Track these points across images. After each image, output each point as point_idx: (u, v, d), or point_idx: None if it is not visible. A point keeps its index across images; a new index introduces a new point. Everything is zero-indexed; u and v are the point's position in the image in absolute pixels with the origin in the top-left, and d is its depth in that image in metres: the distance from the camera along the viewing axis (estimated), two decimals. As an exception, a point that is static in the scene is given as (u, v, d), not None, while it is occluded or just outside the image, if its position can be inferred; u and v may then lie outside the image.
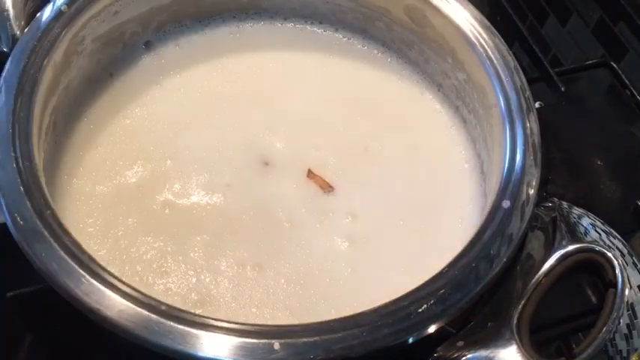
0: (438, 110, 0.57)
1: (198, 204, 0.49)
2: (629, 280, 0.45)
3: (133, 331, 0.36)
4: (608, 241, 0.47)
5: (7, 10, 0.48)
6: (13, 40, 0.47)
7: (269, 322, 0.43)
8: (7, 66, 0.45)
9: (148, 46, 0.58)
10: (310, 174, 0.51)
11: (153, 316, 0.36)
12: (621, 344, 0.45)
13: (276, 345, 0.36)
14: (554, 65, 0.69)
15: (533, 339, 0.41)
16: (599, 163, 0.61)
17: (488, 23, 0.52)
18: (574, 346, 0.48)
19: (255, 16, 0.60)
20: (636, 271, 0.46)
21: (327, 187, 0.51)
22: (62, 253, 0.38)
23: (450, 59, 0.54)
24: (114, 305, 0.37)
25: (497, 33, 0.52)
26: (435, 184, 0.53)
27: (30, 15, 0.48)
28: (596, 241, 0.46)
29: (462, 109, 0.55)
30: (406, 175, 0.53)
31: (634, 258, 0.47)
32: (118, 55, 0.56)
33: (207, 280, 0.46)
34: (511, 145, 0.46)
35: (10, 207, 0.39)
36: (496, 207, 0.43)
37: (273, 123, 0.55)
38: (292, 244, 0.48)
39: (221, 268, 0.46)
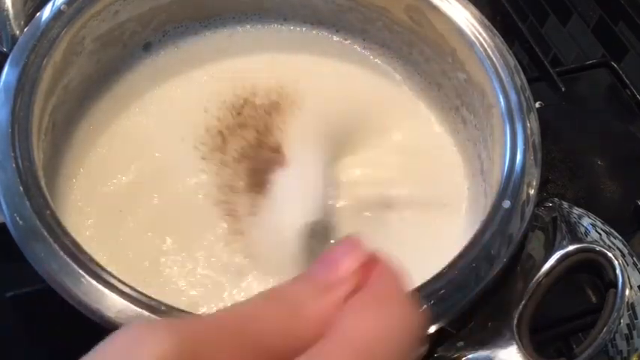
0: (437, 110, 0.57)
1: (198, 203, 0.49)
2: (629, 280, 0.45)
3: (133, 331, 0.36)
4: (608, 241, 0.47)
5: (7, 10, 0.48)
6: (13, 40, 0.47)
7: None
8: (6, 66, 0.45)
9: (148, 46, 0.57)
10: None
11: (153, 316, 0.36)
12: (621, 344, 0.45)
13: (276, 345, 0.36)
14: (554, 65, 0.69)
15: (534, 339, 0.41)
16: (599, 163, 0.61)
17: (488, 23, 0.52)
18: (574, 346, 0.48)
19: (254, 17, 0.60)
20: (636, 271, 0.46)
21: None
22: (62, 253, 0.38)
23: (450, 59, 0.54)
24: (114, 305, 0.36)
25: (498, 33, 0.52)
26: (434, 184, 0.53)
27: (29, 14, 0.48)
28: (596, 241, 0.46)
29: (462, 109, 0.55)
30: (405, 175, 0.53)
31: (634, 258, 0.47)
32: (118, 56, 0.56)
33: (208, 280, 0.46)
34: (511, 145, 0.46)
35: (9, 207, 0.39)
36: (496, 207, 0.43)
37: (272, 124, 0.55)
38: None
39: (222, 266, 0.47)
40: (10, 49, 0.46)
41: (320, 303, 0.25)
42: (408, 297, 0.26)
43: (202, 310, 0.44)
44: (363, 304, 0.25)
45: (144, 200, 0.49)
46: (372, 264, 0.27)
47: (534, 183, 0.45)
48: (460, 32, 0.52)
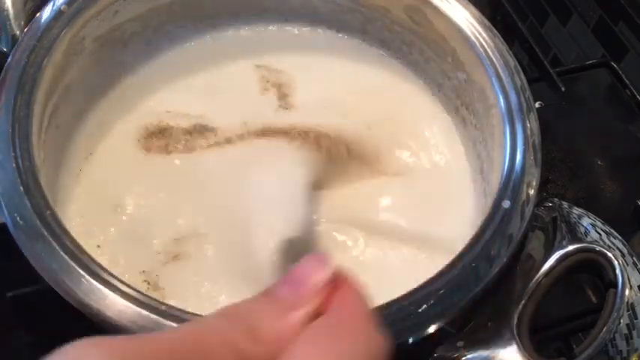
0: (437, 110, 0.57)
1: (199, 204, 0.49)
2: (629, 280, 0.45)
3: (133, 331, 0.36)
4: (608, 241, 0.47)
5: (7, 10, 0.48)
6: (13, 40, 0.47)
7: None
8: (6, 66, 0.45)
9: (149, 46, 0.57)
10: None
11: (153, 316, 0.36)
12: (621, 344, 0.45)
13: (276, 345, 0.36)
14: (554, 65, 0.69)
15: (534, 339, 0.41)
16: (599, 163, 0.61)
17: (488, 23, 0.52)
18: (574, 346, 0.48)
19: (254, 17, 0.60)
20: (636, 271, 0.46)
21: None
22: (62, 253, 0.38)
23: (450, 59, 0.54)
24: (114, 305, 0.36)
25: (498, 33, 0.52)
26: (434, 184, 0.53)
27: (30, 14, 0.48)
28: (596, 241, 0.46)
29: (462, 109, 0.55)
30: (405, 175, 0.53)
31: (634, 258, 0.47)
32: (118, 56, 0.56)
33: (209, 281, 0.46)
34: (511, 145, 0.46)
35: (9, 207, 0.39)
36: (496, 207, 0.43)
37: (274, 120, 0.55)
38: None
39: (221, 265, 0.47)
40: (10, 49, 0.46)
41: (277, 324, 0.24)
42: (372, 321, 0.25)
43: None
44: (320, 329, 0.24)
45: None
46: (337, 284, 0.26)
47: (534, 183, 0.45)
48: (460, 32, 0.52)
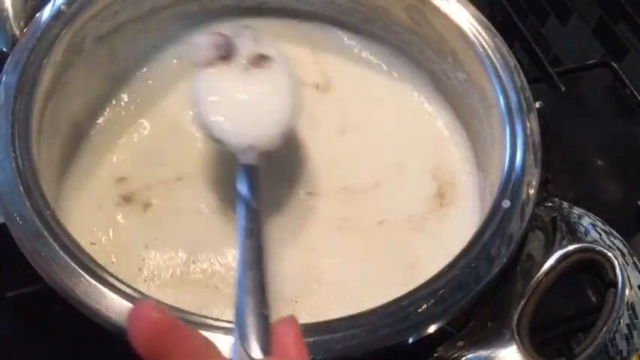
0: (437, 110, 0.57)
1: (199, 203, 0.49)
2: (629, 280, 0.45)
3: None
4: (608, 241, 0.47)
5: (7, 10, 0.48)
6: (13, 40, 0.47)
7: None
8: (6, 66, 0.45)
9: (149, 45, 0.57)
10: None
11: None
12: (621, 344, 0.45)
13: (276, 345, 0.36)
14: (554, 65, 0.69)
15: (534, 339, 0.41)
16: (599, 162, 0.61)
17: (488, 23, 0.52)
18: (574, 346, 0.48)
19: (253, 16, 0.60)
20: (636, 271, 0.46)
21: None
22: (62, 253, 0.38)
23: (450, 59, 0.54)
24: (114, 305, 0.37)
25: (498, 33, 0.52)
26: (434, 184, 0.53)
27: (29, 14, 0.48)
28: (596, 241, 0.46)
29: (462, 109, 0.55)
30: (404, 174, 0.53)
31: (634, 258, 0.47)
32: (119, 55, 0.56)
33: (211, 280, 0.46)
34: (511, 145, 0.46)
35: (9, 207, 0.39)
36: (496, 207, 0.43)
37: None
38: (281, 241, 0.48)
39: (221, 269, 0.47)
40: (10, 50, 0.46)
41: None
42: None
43: (204, 310, 0.44)
44: None
45: (149, 200, 0.49)
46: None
47: (534, 183, 0.45)
48: (460, 32, 0.52)
